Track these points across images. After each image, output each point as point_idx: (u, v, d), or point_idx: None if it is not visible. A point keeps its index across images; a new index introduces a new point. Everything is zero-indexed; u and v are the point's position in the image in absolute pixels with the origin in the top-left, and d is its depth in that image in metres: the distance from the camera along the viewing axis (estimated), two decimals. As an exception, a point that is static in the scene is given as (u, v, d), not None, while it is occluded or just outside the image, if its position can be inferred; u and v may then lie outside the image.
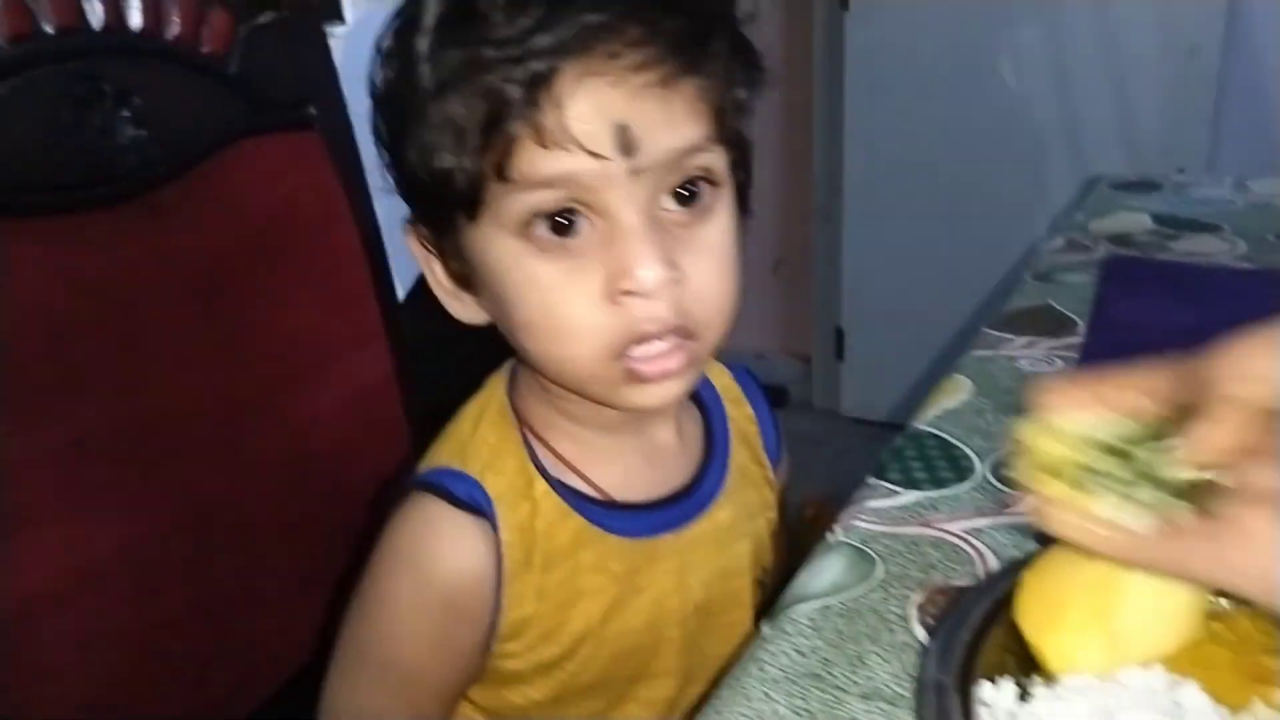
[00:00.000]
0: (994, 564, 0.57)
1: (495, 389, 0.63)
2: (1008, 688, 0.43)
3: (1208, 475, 0.37)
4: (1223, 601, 0.50)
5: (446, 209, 0.52)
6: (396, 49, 0.52)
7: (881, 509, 0.63)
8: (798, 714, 0.47)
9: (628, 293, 0.50)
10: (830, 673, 0.49)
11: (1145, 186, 1.29)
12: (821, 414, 2.60)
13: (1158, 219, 1.15)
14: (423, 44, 0.49)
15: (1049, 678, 0.44)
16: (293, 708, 0.73)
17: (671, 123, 0.49)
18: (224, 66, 0.75)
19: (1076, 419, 0.40)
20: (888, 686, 0.48)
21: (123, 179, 0.67)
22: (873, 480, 0.66)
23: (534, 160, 0.48)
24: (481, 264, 0.53)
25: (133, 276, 0.69)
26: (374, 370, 0.88)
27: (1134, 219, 1.15)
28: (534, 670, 0.60)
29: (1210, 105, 2.03)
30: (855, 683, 0.48)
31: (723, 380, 0.71)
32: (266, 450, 0.78)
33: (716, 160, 0.53)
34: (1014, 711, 0.41)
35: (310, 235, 0.83)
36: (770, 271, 2.62)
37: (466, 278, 0.56)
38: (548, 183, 0.48)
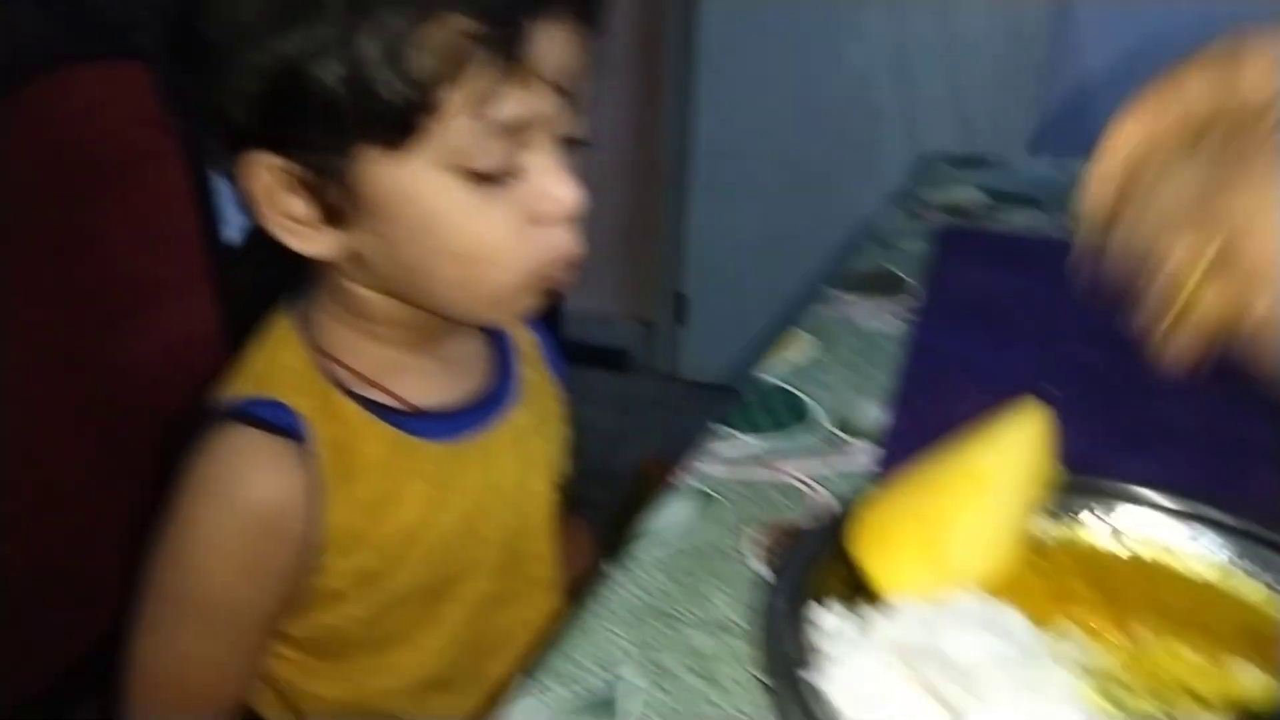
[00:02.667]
0: (831, 504, 0.58)
1: (280, 323, 0.62)
2: (839, 611, 0.44)
3: None
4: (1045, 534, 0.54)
5: (359, 139, 0.50)
6: None
7: (727, 455, 0.64)
8: (639, 647, 0.47)
9: (548, 218, 0.54)
10: (673, 608, 0.50)
11: (976, 162, 1.35)
12: (661, 377, 2.63)
13: (987, 192, 1.21)
14: None
15: (878, 601, 0.46)
16: (96, 676, 0.69)
17: (583, 72, 0.54)
18: (45, -19, 0.68)
19: None
20: (727, 617, 0.49)
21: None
22: (719, 427, 0.67)
23: (512, 100, 0.50)
24: (392, 194, 0.52)
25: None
26: (196, 321, 0.82)
27: (966, 192, 1.21)
28: (354, 584, 0.60)
29: (1035, 89, 2.15)
30: (696, 615, 0.49)
31: None
32: (76, 399, 0.73)
33: None
34: (841, 629, 0.43)
35: (131, 172, 0.77)
36: (617, 236, 2.63)
37: (339, 210, 0.53)
38: (517, 124, 0.50)
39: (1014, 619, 0.45)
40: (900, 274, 0.94)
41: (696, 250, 2.49)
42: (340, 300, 0.60)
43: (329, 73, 0.48)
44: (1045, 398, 0.60)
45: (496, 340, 0.71)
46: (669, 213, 2.52)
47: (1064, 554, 0.53)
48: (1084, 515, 0.54)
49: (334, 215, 0.54)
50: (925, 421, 0.63)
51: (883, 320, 0.84)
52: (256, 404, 0.57)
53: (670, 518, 0.57)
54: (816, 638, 0.43)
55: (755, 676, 0.45)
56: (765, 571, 0.52)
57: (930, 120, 2.22)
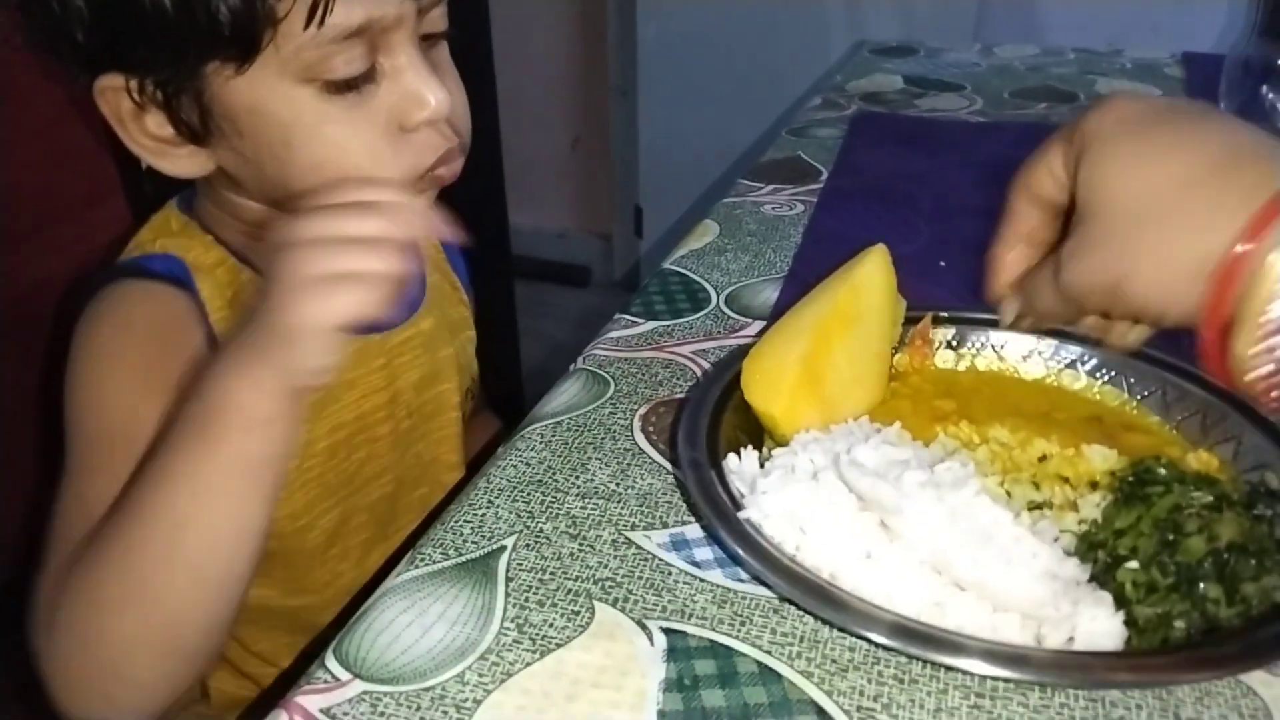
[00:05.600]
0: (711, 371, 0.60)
1: (168, 219, 0.61)
2: (750, 456, 0.48)
3: None
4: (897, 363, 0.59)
5: (200, 56, 0.49)
6: None
7: (621, 338, 0.65)
8: (518, 515, 0.49)
9: (420, 123, 0.54)
10: (552, 478, 0.52)
11: (903, 51, 1.35)
12: (621, 290, 2.64)
13: (908, 80, 1.21)
14: None
15: (780, 441, 0.50)
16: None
17: None
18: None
19: None
20: (604, 485, 0.51)
21: None
22: (618, 315, 0.69)
23: (353, 6, 0.48)
24: (246, 111, 0.51)
25: None
26: (111, 229, 0.83)
27: (887, 80, 1.21)
28: None
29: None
30: (575, 485, 0.51)
31: None
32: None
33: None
34: (755, 469, 0.47)
35: (31, 82, 0.76)
36: (569, 150, 2.61)
37: (195, 129, 0.53)
38: (357, 30, 0.49)
39: (900, 436, 0.49)
40: (811, 161, 0.95)
41: (650, 160, 2.48)
42: (227, 210, 0.60)
43: None
44: (934, 270, 0.64)
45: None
46: (619, 123, 2.50)
47: (919, 378, 0.58)
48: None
49: (194, 133, 0.53)
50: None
51: (788, 206, 0.85)
52: (149, 259, 0.57)
53: (562, 399, 0.59)
54: (734, 482, 0.47)
55: (624, 536, 0.48)
56: (644, 442, 0.54)
57: (875, 14, 2.20)
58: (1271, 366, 0.38)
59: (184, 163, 0.55)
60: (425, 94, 0.53)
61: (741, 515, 0.44)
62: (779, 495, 0.44)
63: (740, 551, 0.42)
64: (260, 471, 0.46)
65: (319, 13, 0.48)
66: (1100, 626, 0.39)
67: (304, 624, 0.68)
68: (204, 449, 0.46)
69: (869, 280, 0.55)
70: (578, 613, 0.43)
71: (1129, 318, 0.46)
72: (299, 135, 0.52)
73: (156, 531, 0.46)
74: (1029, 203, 0.49)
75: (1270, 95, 0.96)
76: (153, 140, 0.54)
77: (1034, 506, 0.46)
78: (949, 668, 0.39)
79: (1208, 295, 0.38)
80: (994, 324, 0.56)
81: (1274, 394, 0.39)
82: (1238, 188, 0.38)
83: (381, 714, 0.39)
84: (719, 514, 0.44)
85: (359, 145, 0.53)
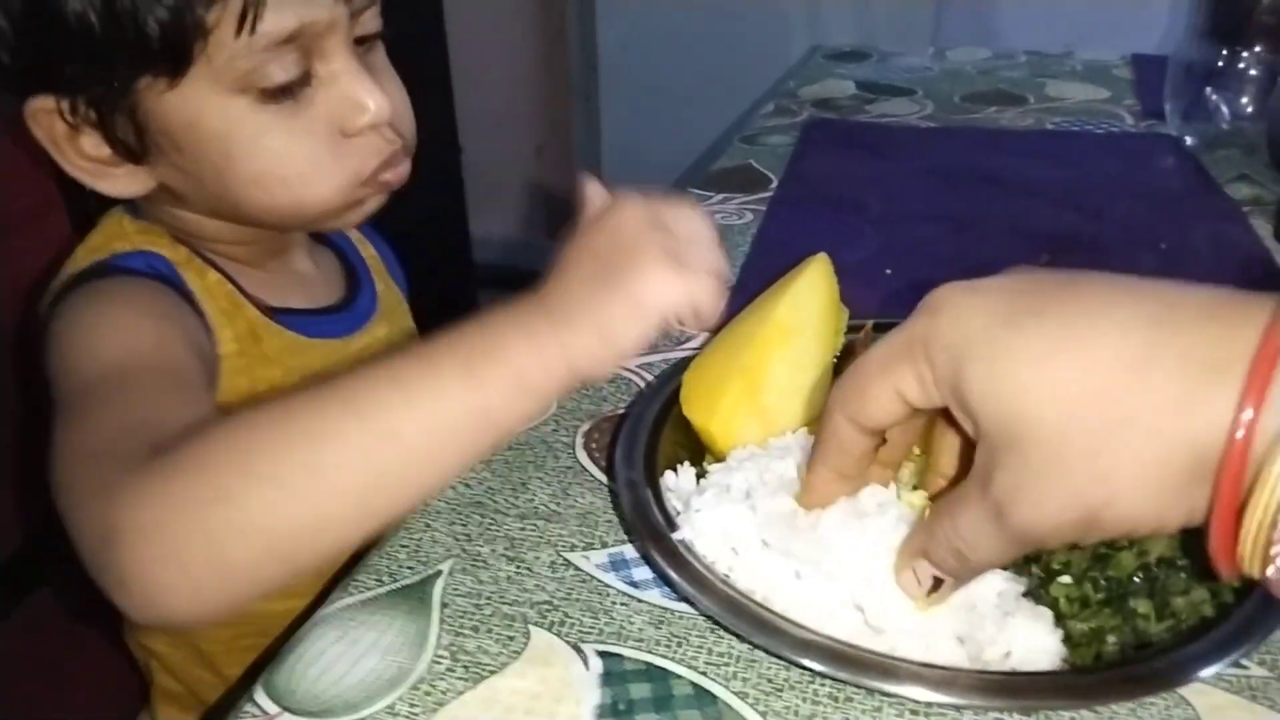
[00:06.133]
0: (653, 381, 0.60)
1: (120, 221, 0.59)
2: (687, 473, 0.48)
3: None
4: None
5: (130, 71, 0.49)
6: None
7: (565, 353, 0.65)
8: (455, 538, 0.49)
9: (360, 128, 0.54)
10: (492, 499, 0.51)
11: (856, 56, 1.35)
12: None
13: (861, 85, 1.21)
14: None
15: (718, 457, 0.49)
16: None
17: None
18: None
19: None
20: (545, 506, 0.51)
21: None
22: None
23: (283, 12, 0.48)
24: (183, 126, 0.51)
25: None
26: (52, 247, 0.82)
27: (839, 85, 1.21)
28: None
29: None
30: (515, 505, 0.51)
31: None
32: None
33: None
34: (693, 488, 0.47)
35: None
36: (532, 156, 2.60)
37: (132, 147, 0.53)
38: (289, 36, 0.49)
39: None
40: (762, 169, 0.95)
41: (612, 165, 2.48)
42: (174, 225, 0.59)
43: (78, 1, 0.46)
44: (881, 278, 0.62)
45: (344, 255, 0.71)
46: (582, 127, 2.50)
47: None
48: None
49: (131, 152, 0.53)
50: (754, 308, 0.65)
51: (737, 215, 0.85)
52: (124, 257, 0.56)
53: (503, 418, 0.58)
54: (671, 500, 0.46)
55: (563, 558, 0.47)
56: (586, 460, 0.54)
57: (835, 18, 2.21)
58: None
59: (123, 183, 0.54)
60: (364, 98, 0.53)
61: (675, 536, 0.44)
62: (712, 514, 0.43)
63: (672, 574, 0.42)
64: (488, 434, 0.41)
65: (249, 21, 0.48)
66: (1038, 643, 0.39)
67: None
68: (462, 379, 0.40)
69: (809, 290, 0.54)
70: (513, 638, 0.43)
71: (1102, 541, 0.39)
72: (238, 147, 0.52)
73: (361, 428, 0.40)
74: (857, 429, 0.40)
75: (1214, 96, 0.97)
76: (90, 161, 0.53)
77: None
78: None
79: (1219, 486, 0.30)
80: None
81: None
82: (1200, 349, 0.31)
83: (308, 749, 0.38)
84: (652, 535, 0.44)
85: (299, 153, 0.53)
